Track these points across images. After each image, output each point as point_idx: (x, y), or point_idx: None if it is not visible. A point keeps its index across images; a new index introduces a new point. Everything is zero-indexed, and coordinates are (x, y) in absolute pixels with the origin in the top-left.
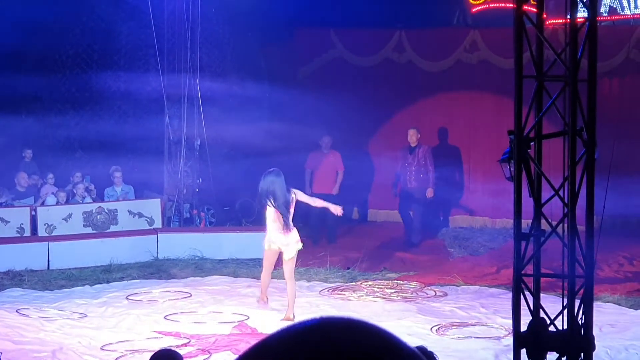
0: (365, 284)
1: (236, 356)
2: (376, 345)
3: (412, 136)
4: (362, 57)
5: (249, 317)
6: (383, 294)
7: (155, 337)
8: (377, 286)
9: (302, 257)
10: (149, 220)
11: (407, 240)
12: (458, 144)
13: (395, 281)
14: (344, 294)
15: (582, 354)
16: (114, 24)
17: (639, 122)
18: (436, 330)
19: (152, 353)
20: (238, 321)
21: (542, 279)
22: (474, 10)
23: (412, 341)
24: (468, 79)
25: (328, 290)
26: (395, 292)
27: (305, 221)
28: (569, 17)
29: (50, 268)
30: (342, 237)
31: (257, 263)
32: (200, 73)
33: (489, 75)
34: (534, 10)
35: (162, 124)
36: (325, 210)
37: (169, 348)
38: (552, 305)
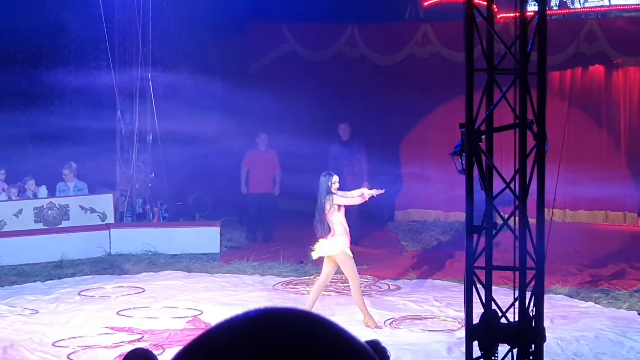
0: (318, 277)
1: None
2: (322, 336)
3: (345, 131)
4: (314, 51)
5: (202, 312)
6: (336, 288)
7: (107, 333)
8: (330, 280)
9: (256, 252)
10: (101, 215)
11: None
12: (410, 137)
13: None
14: (298, 288)
15: (533, 346)
16: (65, 18)
17: (589, 115)
18: (389, 323)
19: (104, 349)
20: (192, 316)
21: (495, 272)
22: (425, 4)
23: (365, 335)
24: (420, 72)
25: (281, 285)
26: (348, 285)
27: (241, 218)
28: (519, 10)
29: (1, 264)
30: (296, 231)
31: (211, 257)
32: (152, 67)
33: (441, 69)
34: (485, 3)
35: (114, 118)
36: (261, 207)
37: (143, 348)
38: (504, 297)
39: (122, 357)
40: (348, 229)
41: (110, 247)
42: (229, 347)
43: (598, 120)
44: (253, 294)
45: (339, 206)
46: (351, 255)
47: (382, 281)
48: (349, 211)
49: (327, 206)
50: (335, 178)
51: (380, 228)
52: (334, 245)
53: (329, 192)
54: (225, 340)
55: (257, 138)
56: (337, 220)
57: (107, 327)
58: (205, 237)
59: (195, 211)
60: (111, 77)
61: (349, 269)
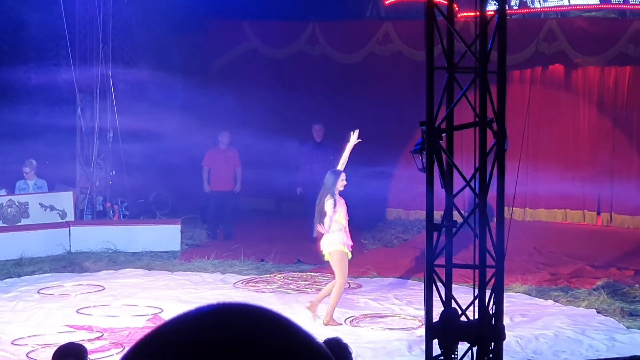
0: (279, 276)
1: None
2: (275, 333)
3: (319, 131)
4: (275, 49)
5: (162, 310)
6: (297, 286)
7: (67, 331)
8: (291, 278)
9: (217, 250)
10: (61, 213)
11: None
12: (372, 135)
13: (309, 273)
14: (258, 286)
15: (492, 344)
16: (25, 15)
17: (549, 114)
18: (350, 321)
19: None
20: (152, 314)
21: (455, 270)
22: (386, 2)
23: (326, 333)
24: (381, 71)
25: (242, 283)
26: (309, 284)
27: (202, 216)
28: (479, 9)
29: None
30: (257, 229)
31: (172, 255)
32: (113, 64)
33: (402, 67)
34: (445, 3)
35: (74, 115)
36: (222, 205)
37: (73, 342)
38: (464, 295)
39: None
40: (347, 227)
41: (70, 245)
42: (180, 343)
43: (558, 119)
44: (214, 292)
45: (336, 206)
46: (348, 254)
47: None
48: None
49: (327, 206)
50: (343, 176)
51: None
52: (330, 242)
53: (332, 193)
54: (176, 336)
55: (218, 136)
56: (335, 219)
57: (66, 326)
58: (166, 235)
59: (156, 209)
60: (71, 74)
61: (341, 268)
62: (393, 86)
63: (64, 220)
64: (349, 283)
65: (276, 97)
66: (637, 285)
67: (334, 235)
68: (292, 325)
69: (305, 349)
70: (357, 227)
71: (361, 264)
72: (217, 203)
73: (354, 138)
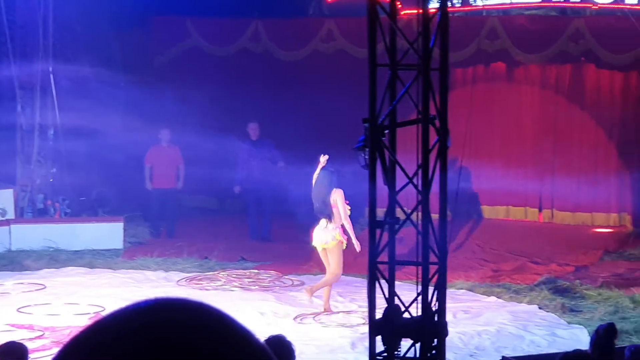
0: (222, 273)
1: None
2: (212, 329)
3: (254, 130)
4: (218, 46)
5: (104, 309)
6: (241, 284)
7: (7, 330)
8: (234, 275)
9: (160, 248)
10: (1, 211)
11: (258, 236)
12: (315, 132)
13: (253, 270)
14: (202, 284)
15: (435, 340)
16: None
17: (491, 112)
18: (294, 319)
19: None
20: (94, 313)
21: (399, 267)
22: (329, 0)
23: (270, 330)
24: (325, 68)
25: (185, 281)
26: (252, 281)
27: (145, 214)
28: (422, 7)
29: None
30: (200, 227)
31: (114, 253)
32: (54, 60)
33: (345, 65)
34: (388, 0)
35: (14, 112)
36: (164, 202)
37: (14, 341)
38: (408, 292)
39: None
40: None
41: (10, 243)
42: (115, 339)
43: (500, 116)
44: (157, 290)
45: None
46: (343, 243)
47: (286, 277)
48: (263, 206)
49: (339, 199)
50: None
51: (285, 223)
52: (330, 235)
53: (336, 185)
54: (112, 332)
55: (159, 134)
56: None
57: (7, 325)
58: (108, 233)
59: (98, 206)
60: (11, 71)
61: (340, 258)
62: (336, 84)
63: (4, 218)
64: (291, 280)
65: (219, 95)
66: (577, 281)
67: (334, 228)
68: (231, 322)
69: (245, 345)
70: (300, 224)
71: (304, 261)
72: (160, 201)
73: (323, 160)
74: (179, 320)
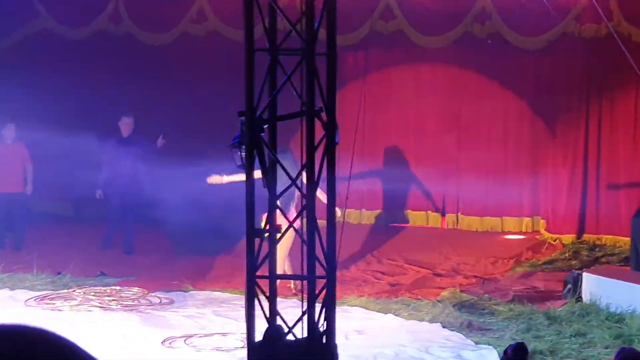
0: (78, 291)
1: None
2: (55, 357)
3: (127, 125)
4: (72, 28)
5: None
6: (100, 303)
7: None
8: (93, 293)
9: (5, 262)
10: None
11: (109, 244)
12: (187, 128)
13: (114, 287)
14: (54, 304)
15: None
16: None
17: (387, 102)
18: (162, 342)
19: None
20: None
21: (281, 282)
22: None
23: (134, 356)
24: (196, 53)
25: (35, 300)
26: (114, 300)
27: None
28: None
29: None
30: (52, 237)
31: None
32: None
33: (219, 49)
34: None
35: None
36: (10, 209)
37: None
38: (293, 310)
39: None
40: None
41: None
42: None
43: (398, 107)
44: (1, 312)
45: None
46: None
47: (153, 294)
48: (127, 213)
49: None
50: None
51: (151, 232)
52: None
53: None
54: None
55: (2, 129)
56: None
57: None
58: None
59: None
60: None
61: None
62: (210, 70)
63: None
64: (159, 298)
65: (74, 84)
66: (485, 295)
67: None
68: (74, 351)
69: None
70: (172, 233)
71: (174, 276)
72: (5, 207)
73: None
74: (18, 349)
